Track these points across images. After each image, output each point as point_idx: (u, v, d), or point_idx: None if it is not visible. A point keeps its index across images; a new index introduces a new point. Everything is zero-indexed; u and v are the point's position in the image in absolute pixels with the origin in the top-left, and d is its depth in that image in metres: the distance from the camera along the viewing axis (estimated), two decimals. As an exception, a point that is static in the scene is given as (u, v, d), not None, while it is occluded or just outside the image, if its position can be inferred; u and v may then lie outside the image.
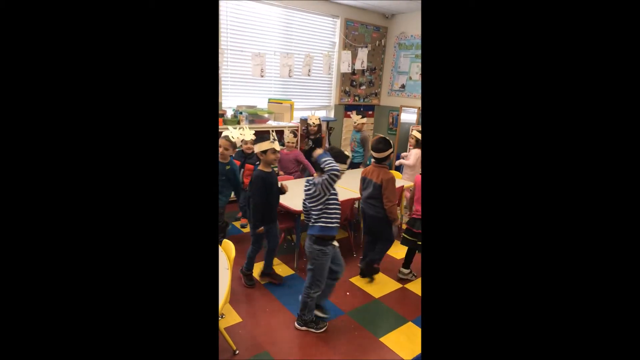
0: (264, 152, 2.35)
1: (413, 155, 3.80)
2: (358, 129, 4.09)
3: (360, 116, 4.05)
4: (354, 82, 5.32)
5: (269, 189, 2.40)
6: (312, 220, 2.06)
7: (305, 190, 2.06)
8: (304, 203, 2.14)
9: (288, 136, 3.60)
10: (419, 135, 3.73)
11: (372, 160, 2.65)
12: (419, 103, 5.14)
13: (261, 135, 2.43)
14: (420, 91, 5.13)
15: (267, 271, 2.66)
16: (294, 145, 3.72)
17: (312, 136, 4.26)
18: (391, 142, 2.60)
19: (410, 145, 3.97)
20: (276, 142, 2.37)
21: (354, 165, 4.06)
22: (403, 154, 3.96)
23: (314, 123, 4.12)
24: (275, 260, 2.88)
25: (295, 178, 3.58)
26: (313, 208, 2.02)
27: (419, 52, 5.08)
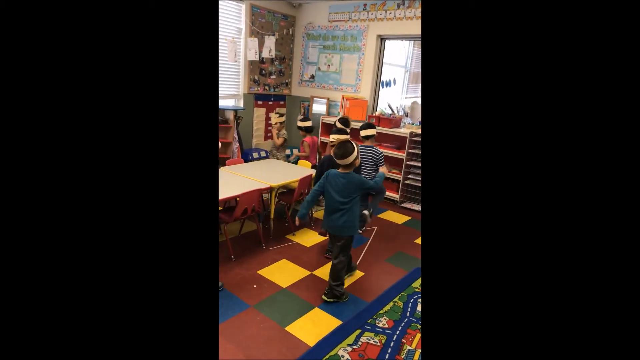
0: None
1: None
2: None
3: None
4: (264, 71, 5.19)
5: None
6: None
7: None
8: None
9: None
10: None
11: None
12: (328, 94, 5.23)
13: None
14: (329, 82, 5.23)
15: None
16: None
17: None
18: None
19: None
20: None
21: None
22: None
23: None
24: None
25: None
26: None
27: (327, 43, 5.15)
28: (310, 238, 3.28)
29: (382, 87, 4.95)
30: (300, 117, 3.96)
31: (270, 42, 4.87)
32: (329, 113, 5.21)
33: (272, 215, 3.18)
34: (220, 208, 3.09)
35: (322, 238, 3.29)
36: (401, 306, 2.37)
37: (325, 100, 5.24)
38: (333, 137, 2.97)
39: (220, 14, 4.47)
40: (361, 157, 2.98)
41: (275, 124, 3.94)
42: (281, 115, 4.02)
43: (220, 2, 4.42)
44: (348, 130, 3.17)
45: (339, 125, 3.39)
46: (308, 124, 3.87)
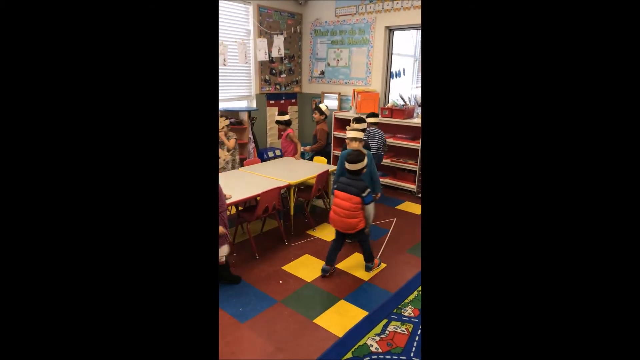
0: None
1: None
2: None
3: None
4: (274, 70, 5.23)
5: None
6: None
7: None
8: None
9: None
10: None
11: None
12: (339, 89, 5.24)
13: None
14: (339, 77, 5.24)
15: None
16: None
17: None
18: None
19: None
20: None
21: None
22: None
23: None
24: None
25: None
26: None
27: (335, 38, 5.16)
28: (330, 232, 3.32)
29: (393, 78, 4.93)
30: (277, 113, 3.96)
31: (279, 41, 4.91)
32: (340, 108, 5.23)
33: (292, 212, 3.23)
34: (240, 208, 3.16)
35: (342, 232, 3.33)
36: (425, 295, 2.39)
37: (337, 95, 5.25)
38: (352, 132, 3.03)
39: (228, 16, 4.53)
40: (371, 138, 3.74)
41: (222, 127, 3.65)
42: (227, 118, 3.76)
43: (228, 4, 4.48)
44: (365, 125, 3.48)
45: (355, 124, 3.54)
46: (287, 117, 3.89)
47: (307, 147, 4.23)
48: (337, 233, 2.63)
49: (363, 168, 2.51)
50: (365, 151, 2.66)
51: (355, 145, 2.88)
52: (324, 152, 4.21)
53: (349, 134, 2.98)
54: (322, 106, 4.11)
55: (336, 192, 2.55)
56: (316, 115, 4.14)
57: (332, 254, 2.63)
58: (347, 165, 2.48)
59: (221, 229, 2.21)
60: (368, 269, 2.68)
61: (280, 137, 3.93)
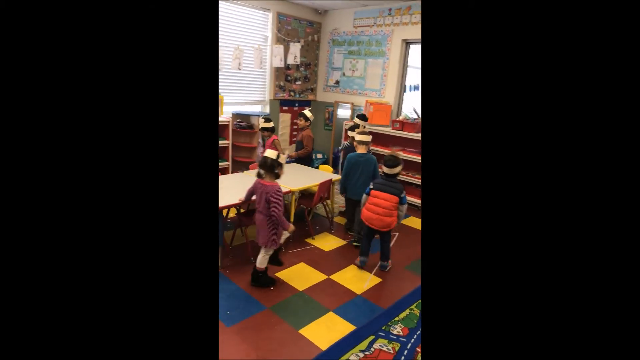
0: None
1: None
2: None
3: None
4: (289, 77, 5.28)
5: None
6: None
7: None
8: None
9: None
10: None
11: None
12: (353, 99, 5.24)
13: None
14: (353, 87, 5.24)
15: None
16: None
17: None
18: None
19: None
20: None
21: None
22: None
23: None
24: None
25: None
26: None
27: (352, 48, 5.17)
28: (329, 242, 3.30)
29: (407, 91, 4.89)
30: (261, 119, 3.85)
31: (295, 48, 4.96)
32: (352, 118, 5.22)
33: (292, 219, 3.22)
34: (242, 210, 3.17)
35: (340, 243, 3.29)
36: (418, 314, 2.33)
37: (350, 105, 5.25)
38: (360, 136, 3.21)
39: (247, 21, 4.61)
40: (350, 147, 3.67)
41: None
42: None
43: (247, 11, 4.56)
44: (365, 125, 3.73)
45: (357, 121, 3.96)
46: (271, 124, 3.82)
47: (293, 153, 4.18)
48: (368, 231, 2.80)
49: (400, 172, 2.74)
50: (400, 155, 2.82)
51: (362, 149, 3.16)
52: (308, 157, 4.20)
53: (358, 137, 3.16)
54: (307, 113, 4.09)
55: (375, 192, 2.71)
56: (301, 122, 4.10)
57: (366, 248, 2.85)
58: (385, 169, 2.70)
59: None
60: (383, 267, 2.87)
61: (264, 144, 3.92)
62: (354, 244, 3.20)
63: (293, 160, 4.17)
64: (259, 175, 2.37)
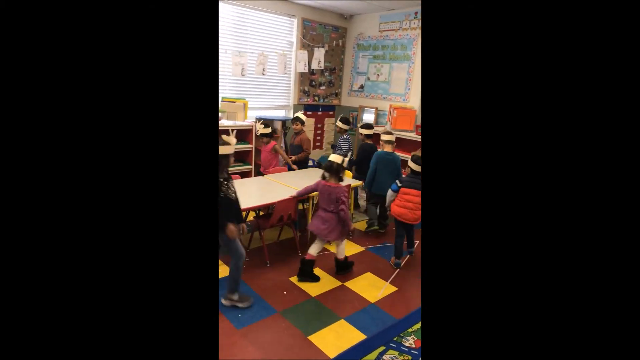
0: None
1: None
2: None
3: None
4: (314, 82, 5.31)
5: None
6: None
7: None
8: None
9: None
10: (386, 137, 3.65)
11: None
12: (377, 103, 5.18)
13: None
14: (378, 91, 5.18)
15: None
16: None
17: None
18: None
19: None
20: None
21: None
22: None
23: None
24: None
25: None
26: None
27: (377, 52, 5.12)
28: (346, 249, 3.25)
29: (433, 96, 4.77)
30: (260, 124, 3.81)
31: (319, 53, 4.98)
32: (377, 122, 5.16)
33: (308, 224, 3.21)
34: (262, 213, 3.20)
35: (358, 249, 3.25)
36: (433, 326, 2.23)
37: (374, 109, 5.19)
38: (386, 136, 3.45)
39: (272, 28, 4.69)
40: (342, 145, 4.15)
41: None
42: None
43: (273, 17, 4.64)
44: (348, 127, 4.19)
45: (340, 124, 4.23)
46: (269, 130, 3.80)
47: (293, 157, 4.14)
48: (399, 227, 2.96)
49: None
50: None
51: (388, 147, 3.42)
52: (305, 160, 4.16)
53: (383, 137, 3.42)
54: (302, 116, 4.07)
55: (405, 189, 2.89)
56: (297, 126, 4.06)
57: (400, 246, 2.98)
58: (413, 166, 2.89)
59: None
60: (410, 252, 3.14)
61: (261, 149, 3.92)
62: (374, 228, 3.58)
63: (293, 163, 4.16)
64: (323, 177, 2.69)
